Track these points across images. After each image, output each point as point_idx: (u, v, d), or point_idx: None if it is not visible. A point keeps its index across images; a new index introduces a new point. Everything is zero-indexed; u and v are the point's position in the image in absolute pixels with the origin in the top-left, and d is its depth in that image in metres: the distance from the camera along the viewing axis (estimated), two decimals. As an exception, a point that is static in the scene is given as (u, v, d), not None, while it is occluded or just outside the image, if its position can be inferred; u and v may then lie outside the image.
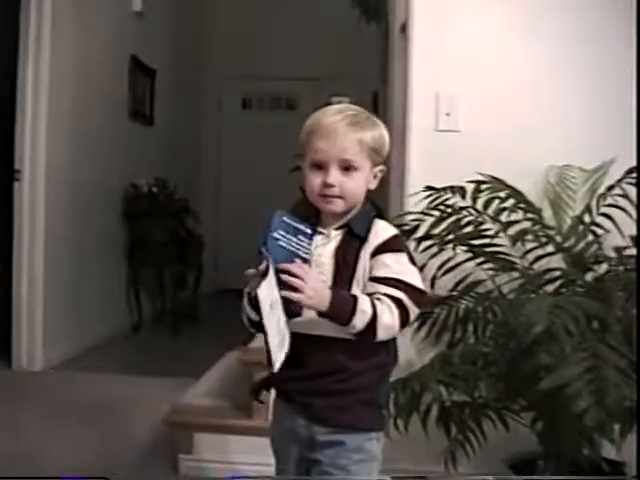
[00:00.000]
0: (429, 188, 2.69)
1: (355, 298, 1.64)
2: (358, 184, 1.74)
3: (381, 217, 1.80)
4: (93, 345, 4.99)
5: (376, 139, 1.75)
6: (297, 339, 1.71)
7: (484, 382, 2.43)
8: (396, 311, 1.65)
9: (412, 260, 1.75)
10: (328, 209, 1.76)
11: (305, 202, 1.80)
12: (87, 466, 2.95)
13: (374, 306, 1.64)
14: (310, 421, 1.77)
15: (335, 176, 1.72)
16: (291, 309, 1.62)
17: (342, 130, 1.71)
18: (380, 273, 1.70)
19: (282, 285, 1.59)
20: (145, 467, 3.11)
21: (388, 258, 1.71)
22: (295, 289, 1.59)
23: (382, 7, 4.62)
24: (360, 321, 1.63)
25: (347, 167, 1.72)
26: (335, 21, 6.64)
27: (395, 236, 1.76)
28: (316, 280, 1.64)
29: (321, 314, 1.63)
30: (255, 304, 1.56)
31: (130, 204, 5.57)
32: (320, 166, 1.74)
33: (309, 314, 1.66)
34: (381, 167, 1.79)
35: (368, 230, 1.74)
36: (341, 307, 1.63)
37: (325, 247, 1.75)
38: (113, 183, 5.39)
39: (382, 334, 1.66)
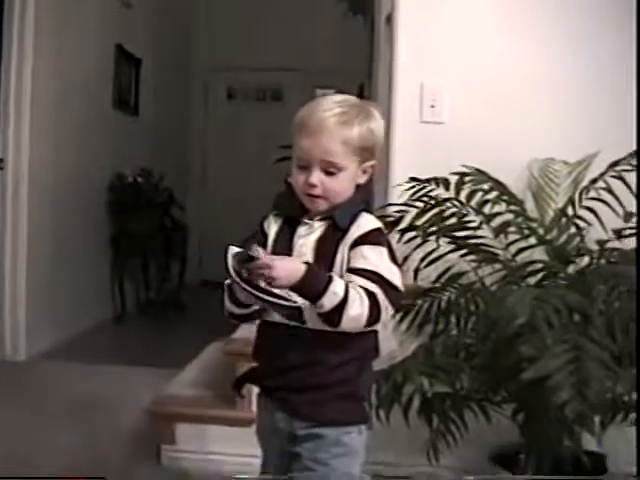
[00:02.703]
0: (413, 179, 2.69)
1: (330, 278, 1.60)
2: (342, 184, 1.71)
3: (369, 211, 1.77)
4: (77, 335, 4.97)
5: (364, 136, 1.69)
6: (274, 329, 1.71)
7: (466, 373, 2.44)
8: (367, 304, 1.60)
9: (393, 258, 1.71)
10: (312, 208, 1.74)
11: (290, 194, 1.77)
12: (69, 457, 2.95)
13: (347, 292, 1.59)
14: (289, 416, 1.76)
15: (317, 176, 1.69)
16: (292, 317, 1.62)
17: (326, 130, 1.67)
18: (357, 264, 1.66)
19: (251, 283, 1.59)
20: (128, 458, 3.10)
21: (367, 250, 1.67)
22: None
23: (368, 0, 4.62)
24: (329, 302, 1.58)
25: (330, 168, 1.69)
26: (322, 13, 6.64)
27: (377, 229, 1.72)
28: (283, 262, 1.59)
29: (292, 287, 1.59)
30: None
31: (115, 194, 5.54)
32: (304, 164, 1.71)
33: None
34: (371, 162, 1.74)
35: (351, 223, 1.71)
36: (313, 282, 1.58)
37: (307, 238, 1.74)
38: (98, 173, 5.37)
39: (346, 324, 1.60)
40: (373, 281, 1.63)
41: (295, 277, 1.58)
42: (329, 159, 1.68)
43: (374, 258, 1.67)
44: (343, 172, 1.69)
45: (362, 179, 1.75)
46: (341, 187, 1.71)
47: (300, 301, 1.61)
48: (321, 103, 1.71)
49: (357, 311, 1.60)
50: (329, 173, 1.69)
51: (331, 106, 1.70)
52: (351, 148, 1.68)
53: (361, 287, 1.62)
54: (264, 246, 1.77)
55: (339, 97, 1.73)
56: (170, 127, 6.94)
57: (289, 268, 1.59)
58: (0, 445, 3.05)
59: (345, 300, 1.59)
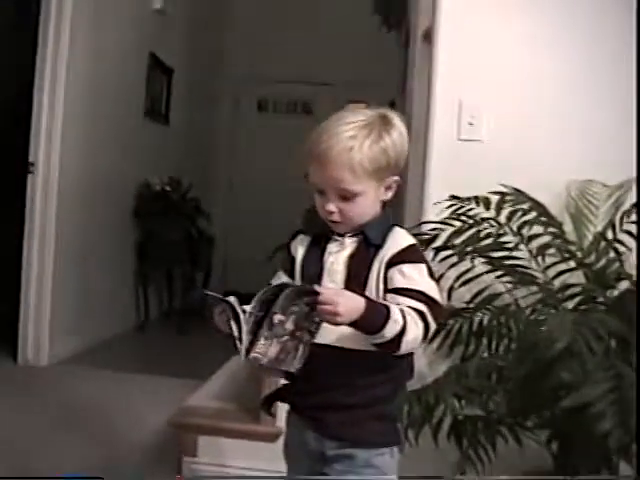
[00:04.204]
0: (453, 197, 2.65)
1: (387, 307, 1.57)
2: (361, 208, 1.67)
3: (401, 226, 1.74)
4: (100, 342, 4.97)
5: (376, 158, 1.63)
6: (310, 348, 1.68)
7: (499, 396, 2.39)
8: (421, 325, 1.58)
9: (431, 273, 1.68)
10: (335, 230, 1.71)
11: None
12: (88, 465, 2.92)
13: (404, 318, 1.56)
14: (320, 435, 1.73)
15: (334, 203, 1.65)
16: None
17: (332, 160, 1.61)
18: (402, 284, 1.63)
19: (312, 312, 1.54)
20: (148, 469, 3.07)
21: (408, 268, 1.64)
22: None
23: (403, 15, 4.60)
24: (390, 331, 1.55)
25: (345, 194, 1.64)
26: (354, 27, 6.64)
27: (412, 245, 1.69)
28: (344, 297, 1.55)
29: (352, 323, 1.55)
30: None
31: (142, 202, 5.56)
32: (320, 189, 1.67)
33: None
34: (395, 178, 1.70)
35: (384, 238, 1.68)
36: (374, 317, 1.55)
37: (339, 254, 1.70)
38: (126, 180, 5.38)
39: (405, 347, 1.58)
40: (420, 301, 1.61)
41: (356, 313, 1.53)
42: (342, 186, 1.63)
43: (416, 277, 1.64)
44: (360, 196, 1.65)
45: (387, 195, 1.71)
46: (361, 210, 1.67)
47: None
48: (328, 128, 1.65)
49: (414, 334, 1.57)
50: (346, 198, 1.65)
51: (338, 131, 1.63)
52: (363, 173, 1.63)
53: (411, 308, 1.59)
54: (292, 269, 1.75)
55: (350, 117, 1.66)
56: (200, 137, 6.96)
57: (351, 305, 1.53)
58: (12, 451, 3.03)
59: (404, 327, 1.56)
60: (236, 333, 1.55)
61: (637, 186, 2.51)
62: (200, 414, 3.24)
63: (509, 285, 2.58)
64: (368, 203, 1.68)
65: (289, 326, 1.56)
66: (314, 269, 1.71)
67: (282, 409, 1.91)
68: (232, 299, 1.56)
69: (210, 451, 3.12)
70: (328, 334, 1.63)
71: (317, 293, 1.52)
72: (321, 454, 1.74)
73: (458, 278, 2.59)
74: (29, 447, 3.11)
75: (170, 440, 3.21)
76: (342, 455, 1.71)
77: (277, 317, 1.54)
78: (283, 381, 1.81)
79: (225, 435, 3.12)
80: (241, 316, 1.55)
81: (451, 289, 2.59)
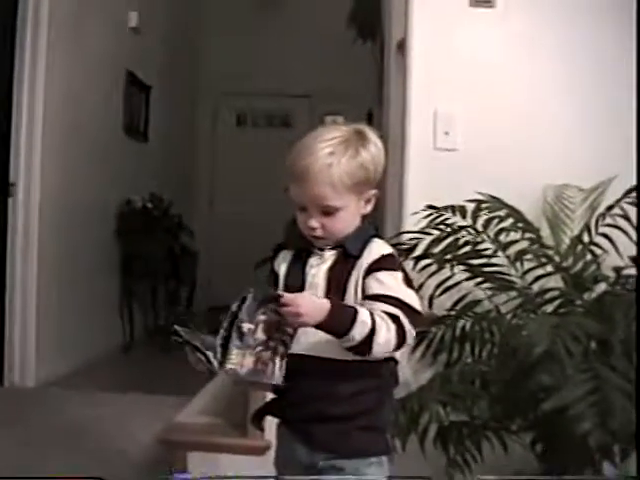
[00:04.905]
0: (430, 207, 2.68)
1: (355, 309, 1.60)
2: (343, 222, 1.70)
3: (380, 237, 1.77)
4: (86, 362, 4.95)
5: (354, 173, 1.66)
6: (290, 359, 1.69)
7: (483, 402, 2.41)
8: (393, 328, 1.60)
9: (409, 281, 1.71)
10: (317, 245, 1.74)
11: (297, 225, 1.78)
12: (79, 484, 2.91)
13: (373, 320, 1.59)
14: (310, 447, 1.74)
15: (316, 219, 1.68)
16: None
17: (312, 177, 1.65)
18: (376, 291, 1.65)
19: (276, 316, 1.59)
20: (138, 485, 3.07)
21: (383, 276, 1.67)
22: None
23: (378, 26, 4.64)
24: (359, 333, 1.58)
25: (327, 209, 1.68)
26: (331, 39, 6.67)
27: (390, 255, 1.72)
28: (307, 298, 1.60)
29: (318, 326, 1.59)
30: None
31: (124, 220, 5.55)
32: (302, 206, 1.70)
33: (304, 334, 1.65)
34: (373, 192, 1.74)
35: (362, 249, 1.70)
36: (340, 318, 1.58)
37: (319, 268, 1.73)
38: (107, 198, 5.37)
39: (377, 350, 1.60)
40: (394, 305, 1.63)
41: (321, 314, 1.57)
42: (324, 202, 1.67)
43: (392, 284, 1.67)
44: (342, 211, 1.68)
45: (367, 209, 1.75)
46: (343, 224, 1.70)
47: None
48: (307, 146, 1.68)
49: (385, 337, 1.60)
50: (328, 213, 1.68)
51: (316, 148, 1.66)
52: (342, 188, 1.66)
53: (384, 312, 1.61)
54: (275, 284, 1.77)
55: (326, 134, 1.69)
56: (180, 153, 6.96)
57: (314, 305, 1.58)
58: (3, 472, 3.02)
59: (373, 329, 1.58)
60: (203, 358, 1.59)
61: (637, 181, 2.53)
62: (189, 430, 3.24)
63: (489, 291, 2.61)
64: (349, 217, 1.71)
65: (260, 335, 1.58)
66: (296, 283, 1.73)
67: (271, 422, 1.92)
68: (196, 339, 1.60)
69: (200, 466, 3.12)
70: (302, 343, 1.66)
71: (279, 297, 1.56)
72: (311, 466, 1.74)
73: (438, 286, 2.63)
74: (18, 467, 3.10)
75: (160, 457, 3.20)
76: (332, 467, 1.71)
77: (246, 326, 1.57)
78: (271, 395, 1.83)
79: (214, 450, 3.12)
80: (208, 353, 1.58)
81: (432, 297, 2.62)
